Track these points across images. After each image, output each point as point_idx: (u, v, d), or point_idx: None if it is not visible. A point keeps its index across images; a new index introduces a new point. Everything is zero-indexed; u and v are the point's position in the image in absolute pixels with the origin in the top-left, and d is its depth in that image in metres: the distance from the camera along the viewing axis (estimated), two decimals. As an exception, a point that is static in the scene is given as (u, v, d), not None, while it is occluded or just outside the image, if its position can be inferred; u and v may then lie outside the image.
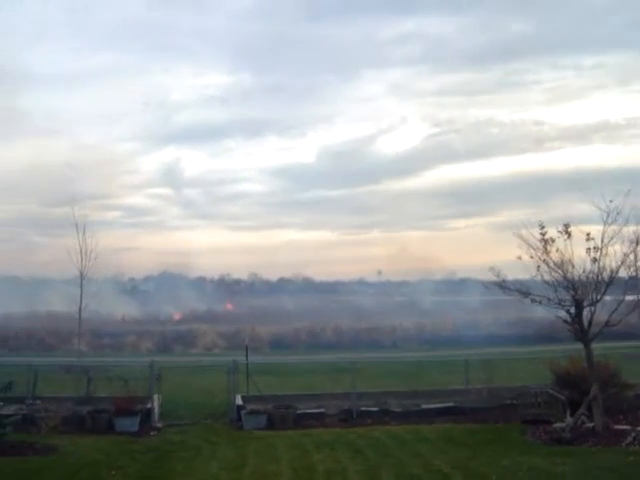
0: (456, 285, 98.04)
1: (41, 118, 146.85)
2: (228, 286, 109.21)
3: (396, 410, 22.28)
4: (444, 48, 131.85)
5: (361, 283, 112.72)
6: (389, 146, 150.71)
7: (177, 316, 73.48)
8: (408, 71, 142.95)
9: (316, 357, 41.47)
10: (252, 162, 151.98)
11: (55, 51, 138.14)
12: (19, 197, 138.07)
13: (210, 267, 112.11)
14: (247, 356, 25.86)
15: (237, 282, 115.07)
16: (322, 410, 22.20)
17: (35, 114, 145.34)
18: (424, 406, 22.51)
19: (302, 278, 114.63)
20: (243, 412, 21.35)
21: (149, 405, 21.69)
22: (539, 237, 19.17)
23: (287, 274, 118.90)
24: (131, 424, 20.48)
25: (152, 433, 20.36)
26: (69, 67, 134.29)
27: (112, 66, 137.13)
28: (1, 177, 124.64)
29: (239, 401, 22.40)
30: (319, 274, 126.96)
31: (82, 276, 38.15)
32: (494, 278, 20.25)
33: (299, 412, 21.75)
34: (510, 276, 20.54)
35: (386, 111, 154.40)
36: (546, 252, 19.11)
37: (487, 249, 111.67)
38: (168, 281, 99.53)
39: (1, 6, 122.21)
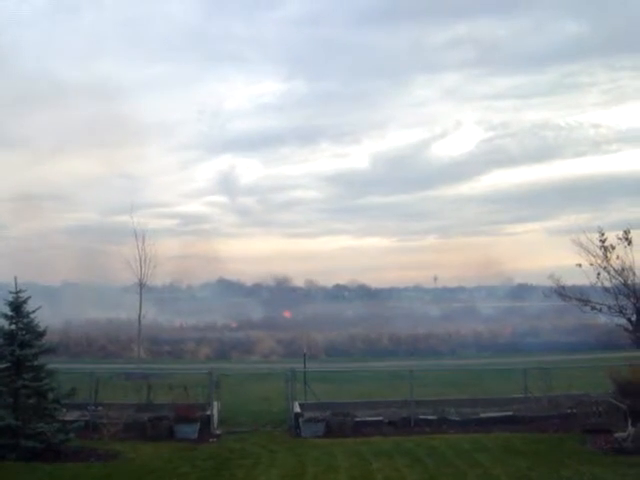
0: (514, 291, 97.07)
1: (98, 129, 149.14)
2: (284, 293, 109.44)
3: (454, 419, 22.13)
4: (497, 51, 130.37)
5: (417, 289, 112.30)
6: (443, 151, 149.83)
7: (234, 324, 73.85)
8: (461, 75, 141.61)
9: (373, 364, 41.35)
10: (306, 169, 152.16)
11: (111, 63, 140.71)
12: (78, 206, 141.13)
13: (266, 274, 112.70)
14: (305, 364, 25.94)
15: (293, 289, 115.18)
16: (380, 418, 22.15)
17: (92, 125, 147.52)
18: (483, 415, 22.33)
19: (358, 285, 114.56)
20: (301, 420, 21.42)
21: (208, 412, 21.93)
22: (599, 244, 18.94)
23: (343, 281, 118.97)
24: (191, 431, 20.73)
25: (211, 440, 20.57)
26: (125, 78, 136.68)
27: (167, 76, 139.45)
28: (61, 187, 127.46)
29: (297, 409, 22.44)
30: (375, 281, 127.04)
31: (141, 284, 38.72)
32: (553, 284, 20.09)
33: (357, 420, 21.72)
34: (570, 282, 20.41)
35: (440, 116, 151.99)
36: (606, 259, 18.90)
37: (545, 254, 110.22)
38: (225, 288, 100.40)
39: (56, 21, 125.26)
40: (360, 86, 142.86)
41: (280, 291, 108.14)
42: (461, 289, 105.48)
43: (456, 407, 22.98)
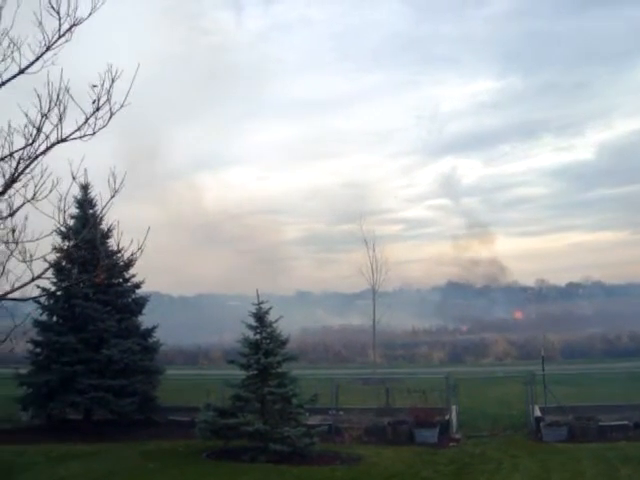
0: None
1: (319, 142, 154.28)
2: (515, 294, 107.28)
3: None
4: None
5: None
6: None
7: (465, 328, 73.45)
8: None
9: (613, 365, 39.60)
10: (529, 165, 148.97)
11: (325, 76, 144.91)
12: (306, 217, 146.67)
13: (496, 275, 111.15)
14: (543, 366, 25.31)
15: (524, 289, 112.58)
16: (625, 422, 21.21)
17: (313, 139, 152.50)
18: None
19: (592, 282, 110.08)
20: (542, 424, 20.97)
21: (447, 416, 21.99)
22: None
23: (576, 278, 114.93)
24: (431, 435, 20.86)
25: (451, 444, 20.60)
26: (339, 90, 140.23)
27: (381, 84, 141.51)
28: (289, 200, 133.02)
29: (537, 412, 22.00)
30: (610, 277, 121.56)
31: (374, 290, 39.41)
32: None
33: (601, 424, 20.94)
34: None
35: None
36: None
37: None
38: (455, 291, 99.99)
39: (273, 39, 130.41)
40: (579, 75, 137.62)
41: (510, 292, 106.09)
42: None
43: None
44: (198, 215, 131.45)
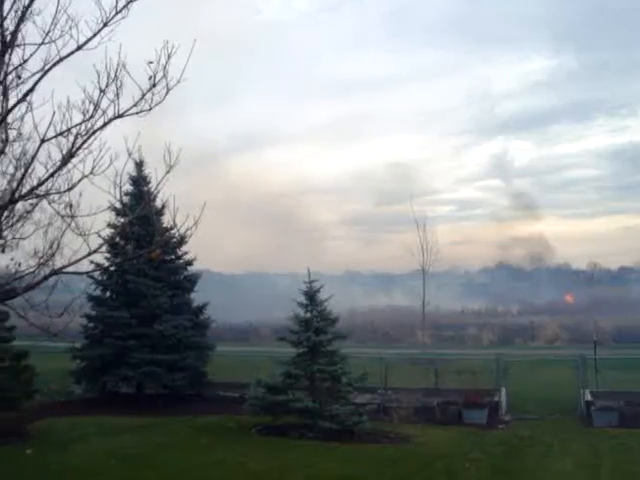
0: None
1: (368, 121, 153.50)
2: (566, 276, 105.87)
3: None
4: None
5: None
6: None
7: (514, 310, 72.80)
8: None
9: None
10: (582, 146, 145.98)
11: (374, 55, 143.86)
12: (354, 197, 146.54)
13: (546, 257, 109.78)
14: (595, 351, 25.02)
15: (575, 272, 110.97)
16: (679, 408, 20.90)
17: (362, 118, 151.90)
18: None
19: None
20: (593, 408, 20.76)
21: (496, 398, 21.91)
22: None
23: (629, 262, 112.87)
24: (480, 417, 20.81)
25: (500, 426, 20.55)
26: (390, 70, 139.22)
27: (433, 63, 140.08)
28: (337, 180, 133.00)
29: (588, 397, 21.78)
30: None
31: (424, 271, 39.21)
32: None
33: (653, 409, 20.68)
34: None
35: None
36: None
37: None
38: (504, 273, 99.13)
39: (323, 18, 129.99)
40: (635, 55, 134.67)
41: (561, 274, 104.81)
42: None
43: None
44: (247, 194, 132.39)
